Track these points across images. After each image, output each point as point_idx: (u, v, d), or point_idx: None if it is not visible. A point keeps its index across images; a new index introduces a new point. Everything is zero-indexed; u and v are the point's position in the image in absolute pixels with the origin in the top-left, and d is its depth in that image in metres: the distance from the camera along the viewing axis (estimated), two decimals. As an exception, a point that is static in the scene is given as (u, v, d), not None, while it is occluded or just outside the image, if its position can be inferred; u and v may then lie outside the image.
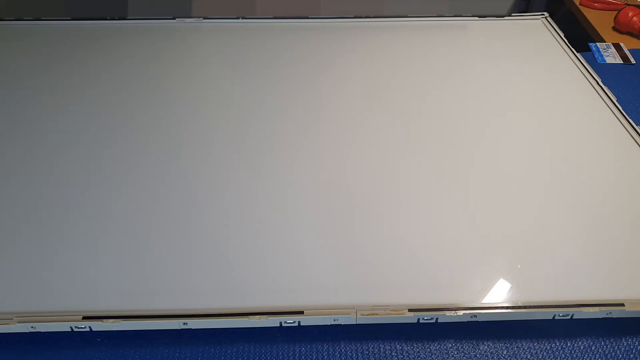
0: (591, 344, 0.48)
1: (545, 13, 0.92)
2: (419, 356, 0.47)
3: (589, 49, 0.89)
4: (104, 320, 0.46)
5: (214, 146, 0.64)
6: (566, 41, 0.84)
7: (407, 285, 0.49)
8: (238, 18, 0.90)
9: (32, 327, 0.46)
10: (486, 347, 0.47)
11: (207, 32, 0.87)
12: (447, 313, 0.47)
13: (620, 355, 0.47)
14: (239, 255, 0.52)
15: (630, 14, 0.98)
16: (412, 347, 0.47)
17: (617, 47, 0.89)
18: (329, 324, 0.47)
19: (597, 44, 0.90)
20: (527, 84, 0.75)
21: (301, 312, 0.47)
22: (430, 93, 0.73)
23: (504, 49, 0.83)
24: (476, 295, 0.48)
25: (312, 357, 0.47)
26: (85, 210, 0.56)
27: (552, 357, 0.47)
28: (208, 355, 0.47)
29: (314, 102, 0.72)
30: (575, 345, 0.47)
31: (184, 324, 0.46)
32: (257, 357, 0.47)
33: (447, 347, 0.47)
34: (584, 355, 0.47)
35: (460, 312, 0.47)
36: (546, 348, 0.47)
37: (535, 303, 0.47)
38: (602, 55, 0.86)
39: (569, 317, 0.47)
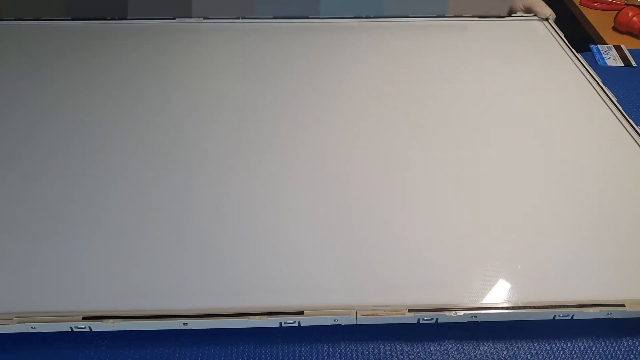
0: (591, 344, 0.48)
1: (545, 13, 0.92)
2: (419, 356, 0.47)
3: (589, 50, 0.89)
4: (104, 320, 0.46)
5: (214, 146, 0.64)
6: (566, 42, 0.84)
7: (407, 285, 0.49)
8: (238, 18, 0.90)
9: (32, 327, 0.46)
10: (486, 347, 0.47)
11: (207, 32, 0.87)
12: (447, 313, 0.47)
13: (621, 356, 0.47)
14: (239, 256, 0.52)
15: (630, 14, 0.98)
16: (412, 348, 0.47)
17: (618, 49, 0.89)
18: (329, 324, 0.47)
19: (598, 45, 0.90)
20: (527, 84, 0.75)
21: (301, 313, 0.46)
22: (429, 93, 0.73)
23: (504, 50, 0.83)
24: (476, 296, 0.48)
25: (312, 357, 0.47)
26: (85, 210, 0.56)
27: (552, 357, 0.47)
28: (208, 355, 0.47)
29: (314, 102, 0.72)
30: (576, 345, 0.47)
31: (184, 324, 0.46)
32: (257, 357, 0.47)
33: (447, 347, 0.47)
34: (584, 356, 0.47)
35: (460, 313, 0.47)
36: (546, 348, 0.47)
37: (535, 303, 0.47)
38: (602, 58, 0.86)
39: (569, 318, 0.47)
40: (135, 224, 0.55)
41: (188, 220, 0.55)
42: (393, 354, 0.47)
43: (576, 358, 0.47)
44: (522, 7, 0.92)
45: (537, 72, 0.78)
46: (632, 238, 0.53)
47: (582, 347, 0.47)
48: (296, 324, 0.47)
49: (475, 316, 0.47)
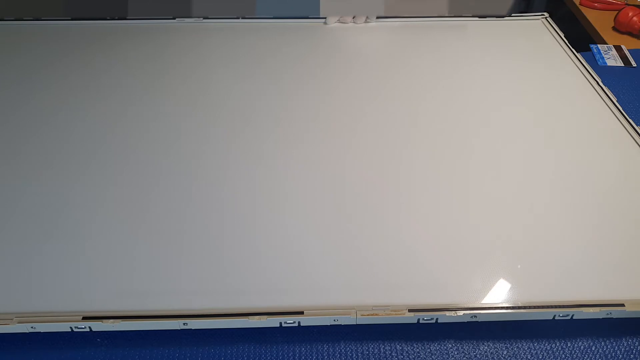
0: (591, 344, 0.48)
1: (545, 13, 0.92)
2: (418, 356, 0.47)
3: (589, 49, 0.88)
4: (104, 320, 0.46)
5: (213, 146, 0.64)
6: (566, 41, 0.84)
7: (407, 285, 0.49)
8: (238, 18, 0.90)
9: (32, 327, 0.46)
10: (486, 347, 0.47)
11: (207, 32, 0.87)
12: (447, 313, 0.47)
13: (620, 356, 0.47)
14: (239, 256, 0.52)
15: (630, 14, 0.97)
16: (412, 347, 0.47)
17: (618, 49, 0.89)
18: (329, 324, 0.47)
19: (598, 45, 0.90)
20: (527, 84, 0.75)
21: (301, 313, 0.47)
22: (430, 93, 0.73)
23: (504, 49, 0.83)
24: (476, 295, 0.48)
25: (312, 357, 0.47)
26: (85, 210, 0.56)
27: (552, 357, 0.47)
28: (208, 355, 0.47)
29: (314, 102, 0.72)
30: (575, 345, 0.47)
31: (184, 324, 0.46)
32: (257, 357, 0.47)
33: (447, 347, 0.47)
34: (584, 356, 0.47)
35: (460, 312, 0.47)
36: (546, 348, 0.47)
37: (535, 303, 0.47)
38: (602, 57, 0.86)
39: (569, 318, 0.47)
40: (136, 224, 0.55)
41: (188, 221, 0.55)
42: (393, 354, 0.47)
43: (576, 358, 0.47)
44: None
45: (537, 72, 0.78)
46: (631, 238, 0.53)
47: (582, 347, 0.47)
48: (296, 324, 0.47)
49: (475, 316, 0.47)
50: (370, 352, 0.47)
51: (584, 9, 1.08)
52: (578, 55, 0.80)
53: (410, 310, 0.47)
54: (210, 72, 0.77)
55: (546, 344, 0.48)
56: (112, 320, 0.46)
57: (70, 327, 0.46)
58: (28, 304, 0.47)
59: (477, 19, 0.91)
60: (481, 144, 0.65)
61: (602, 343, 0.48)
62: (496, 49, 0.83)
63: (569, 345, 0.48)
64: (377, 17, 0.90)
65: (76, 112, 0.69)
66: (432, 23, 0.91)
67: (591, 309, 0.46)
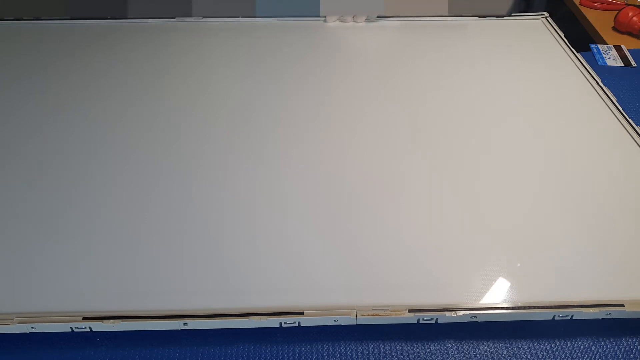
0: (591, 344, 0.48)
1: (545, 13, 0.92)
2: (419, 356, 0.47)
3: (589, 49, 0.88)
4: (104, 320, 0.46)
5: (213, 146, 0.64)
6: (566, 41, 0.84)
7: (407, 285, 0.49)
8: (238, 17, 0.90)
9: (32, 327, 0.46)
10: (486, 347, 0.47)
11: (207, 31, 0.87)
12: (447, 313, 0.47)
13: (620, 356, 0.47)
14: (239, 256, 0.52)
15: (630, 14, 0.97)
16: (412, 347, 0.47)
17: (618, 49, 0.89)
18: (329, 324, 0.47)
19: (598, 45, 0.90)
20: (527, 84, 0.75)
21: (301, 313, 0.47)
22: (430, 93, 0.73)
23: (504, 49, 0.83)
24: (476, 296, 0.48)
25: (312, 357, 0.47)
26: (85, 210, 0.56)
27: (552, 357, 0.47)
28: (208, 355, 0.47)
29: (314, 102, 0.72)
30: (575, 345, 0.47)
31: (184, 324, 0.46)
32: (257, 357, 0.47)
33: (447, 347, 0.48)
34: (584, 356, 0.47)
35: (460, 313, 0.47)
36: (546, 348, 0.47)
37: (535, 303, 0.47)
38: (602, 57, 0.86)
39: (568, 318, 0.47)
40: (136, 224, 0.55)
41: (188, 221, 0.55)
42: (393, 354, 0.47)
43: (576, 358, 0.47)
44: None
45: (537, 72, 0.78)
46: (631, 238, 0.53)
47: (581, 347, 0.47)
48: (296, 324, 0.47)
49: (475, 316, 0.47)
50: (370, 352, 0.47)
51: (584, 9, 1.08)
52: (578, 55, 0.80)
53: (410, 311, 0.47)
54: (210, 72, 0.77)
55: (546, 344, 0.48)
56: (112, 320, 0.46)
57: (71, 327, 0.46)
58: (28, 304, 0.47)
59: (477, 19, 0.91)
60: (481, 144, 0.65)
61: (602, 343, 0.48)
62: (496, 49, 0.83)
63: (569, 345, 0.48)
64: (378, 17, 0.90)
65: (76, 112, 0.69)
66: (432, 23, 0.91)
67: (591, 309, 0.46)
